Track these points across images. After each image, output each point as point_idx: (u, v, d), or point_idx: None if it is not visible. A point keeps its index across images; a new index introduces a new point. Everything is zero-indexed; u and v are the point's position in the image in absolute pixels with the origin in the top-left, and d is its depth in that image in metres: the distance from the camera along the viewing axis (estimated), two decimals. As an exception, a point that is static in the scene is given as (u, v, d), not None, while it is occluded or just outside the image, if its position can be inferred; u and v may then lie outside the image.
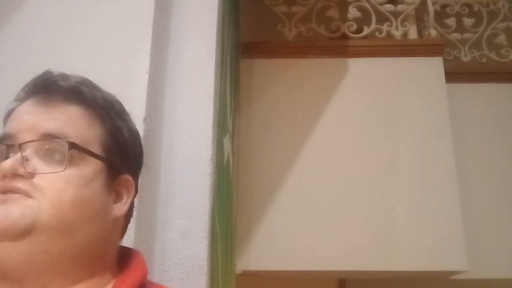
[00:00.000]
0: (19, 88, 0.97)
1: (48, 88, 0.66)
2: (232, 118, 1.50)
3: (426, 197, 1.95)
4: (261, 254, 1.89)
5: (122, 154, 0.68)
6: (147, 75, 0.99)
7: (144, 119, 0.95)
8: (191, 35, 1.16)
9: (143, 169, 0.77)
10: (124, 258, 0.70)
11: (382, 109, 2.09)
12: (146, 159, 0.78)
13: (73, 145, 0.61)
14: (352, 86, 2.12)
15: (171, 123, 1.07)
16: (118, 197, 0.68)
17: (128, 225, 0.73)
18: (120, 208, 0.68)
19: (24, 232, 0.57)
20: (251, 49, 2.11)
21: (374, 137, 2.04)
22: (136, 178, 0.73)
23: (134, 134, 0.73)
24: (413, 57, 2.14)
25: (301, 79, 2.13)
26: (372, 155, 2.02)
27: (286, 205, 1.95)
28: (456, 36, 2.38)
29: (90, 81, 0.70)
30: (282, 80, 2.12)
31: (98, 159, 0.64)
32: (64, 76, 0.67)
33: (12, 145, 0.61)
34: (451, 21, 2.40)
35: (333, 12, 2.25)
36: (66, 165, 0.60)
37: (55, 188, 0.60)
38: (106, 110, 0.68)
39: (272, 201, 1.96)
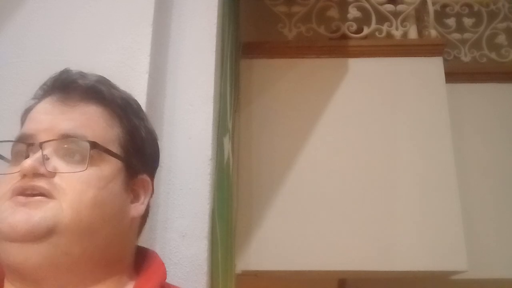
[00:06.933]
0: (19, 88, 0.98)
1: (66, 87, 0.65)
2: (232, 118, 1.49)
3: (426, 197, 1.95)
4: (261, 254, 1.89)
5: (139, 153, 0.68)
6: (147, 75, 0.99)
7: (144, 119, 0.95)
8: (191, 35, 1.16)
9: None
10: (140, 259, 0.69)
11: (382, 109, 2.09)
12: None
13: (94, 145, 0.61)
14: (352, 86, 2.12)
15: (171, 123, 1.07)
16: (135, 197, 0.68)
17: None
18: (137, 208, 0.67)
19: (45, 234, 0.56)
20: (251, 49, 2.11)
21: (374, 137, 2.04)
22: (152, 178, 0.72)
23: (151, 133, 0.72)
24: (413, 57, 2.14)
25: (301, 79, 2.13)
26: (372, 155, 2.01)
27: (286, 205, 1.95)
28: (456, 36, 2.37)
29: (107, 79, 0.69)
30: (282, 80, 2.12)
31: (118, 159, 0.64)
32: (82, 75, 0.67)
33: (32, 144, 0.60)
34: (451, 21, 2.40)
35: (333, 12, 2.25)
36: (87, 165, 0.59)
37: (76, 188, 0.59)
38: (124, 110, 0.67)
39: (272, 201, 1.95)
